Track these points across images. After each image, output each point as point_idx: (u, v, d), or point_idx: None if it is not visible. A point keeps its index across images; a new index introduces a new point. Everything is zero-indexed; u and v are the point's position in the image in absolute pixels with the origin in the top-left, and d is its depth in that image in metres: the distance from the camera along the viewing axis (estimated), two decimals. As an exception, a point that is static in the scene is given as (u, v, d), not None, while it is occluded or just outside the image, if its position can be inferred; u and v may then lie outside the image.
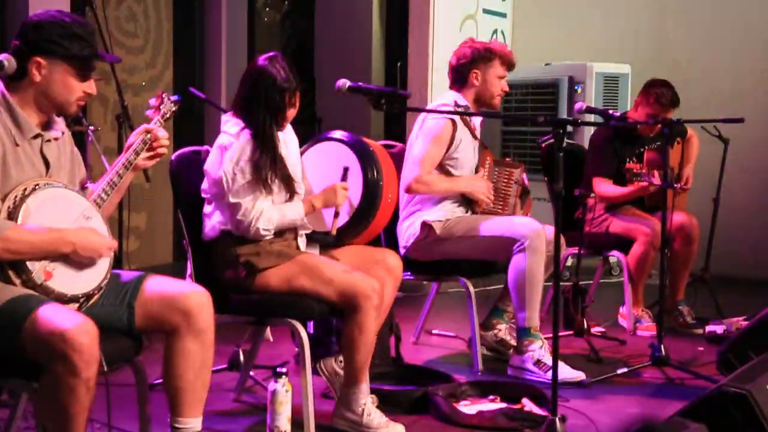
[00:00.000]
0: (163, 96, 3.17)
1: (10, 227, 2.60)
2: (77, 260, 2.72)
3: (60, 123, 2.93)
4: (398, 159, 4.30)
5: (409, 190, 4.30)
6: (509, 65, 4.46)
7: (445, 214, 4.35)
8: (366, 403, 3.47)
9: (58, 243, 2.67)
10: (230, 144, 3.45)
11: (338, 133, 3.80)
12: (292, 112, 3.55)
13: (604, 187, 5.13)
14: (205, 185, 3.55)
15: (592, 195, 5.11)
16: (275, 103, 3.47)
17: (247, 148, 3.43)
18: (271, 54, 3.54)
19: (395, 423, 3.49)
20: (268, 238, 3.48)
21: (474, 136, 4.45)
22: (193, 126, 7.16)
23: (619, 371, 4.23)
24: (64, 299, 2.69)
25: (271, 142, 3.47)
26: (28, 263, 2.65)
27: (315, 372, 3.62)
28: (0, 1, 5.54)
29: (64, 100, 2.81)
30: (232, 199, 3.43)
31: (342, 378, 3.60)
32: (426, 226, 4.32)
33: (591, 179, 5.18)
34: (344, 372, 3.53)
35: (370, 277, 3.47)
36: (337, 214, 3.66)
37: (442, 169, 4.38)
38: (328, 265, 3.47)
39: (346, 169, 3.69)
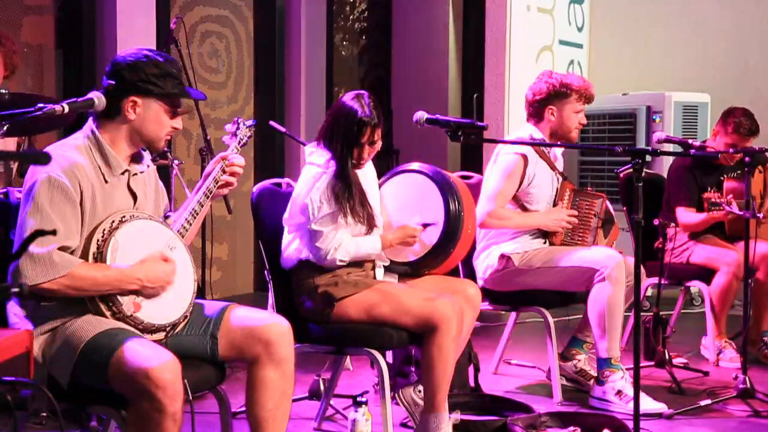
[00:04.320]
0: (239, 121, 3.20)
1: (77, 264, 2.67)
2: (151, 294, 2.77)
3: (146, 157, 3.01)
4: (475, 190, 4.31)
5: (482, 225, 4.31)
6: (587, 99, 4.43)
7: (522, 246, 4.34)
8: (446, 431, 3.48)
9: (123, 281, 2.71)
10: (320, 174, 3.51)
11: (419, 165, 3.82)
12: (370, 151, 3.57)
13: (685, 215, 5.08)
14: (287, 214, 3.61)
15: (673, 224, 5.07)
16: (352, 135, 3.51)
17: (332, 178, 3.49)
18: (359, 91, 3.59)
19: None
20: (342, 268, 3.52)
21: (553, 168, 4.44)
22: (273, 159, 7.27)
23: (702, 403, 4.16)
24: (152, 329, 2.76)
25: (346, 175, 3.52)
26: (118, 296, 2.72)
27: (394, 401, 3.64)
28: (90, 39, 5.72)
29: (156, 136, 2.88)
30: (314, 227, 3.48)
31: (421, 407, 3.62)
32: (504, 258, 4.32)
33: (673, 208, 5.14)
34: (424, 398, 3.54)
35: (449, 300, 3.49)
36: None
37: (518, 203, 4.38)
38: (406, 293, 3.51)
39: (427, 225, 3.73)
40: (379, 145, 3.59)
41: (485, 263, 4.40)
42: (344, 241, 3.49)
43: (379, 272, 3.67)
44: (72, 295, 2.67)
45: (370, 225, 3.59)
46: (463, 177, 4.33)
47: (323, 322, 3.52)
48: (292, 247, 3.58)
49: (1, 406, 1.97)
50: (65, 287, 2.65)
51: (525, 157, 4.31)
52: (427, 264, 3.73)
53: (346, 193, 3.49)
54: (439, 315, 3.40)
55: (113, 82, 2.82)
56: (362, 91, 3.59)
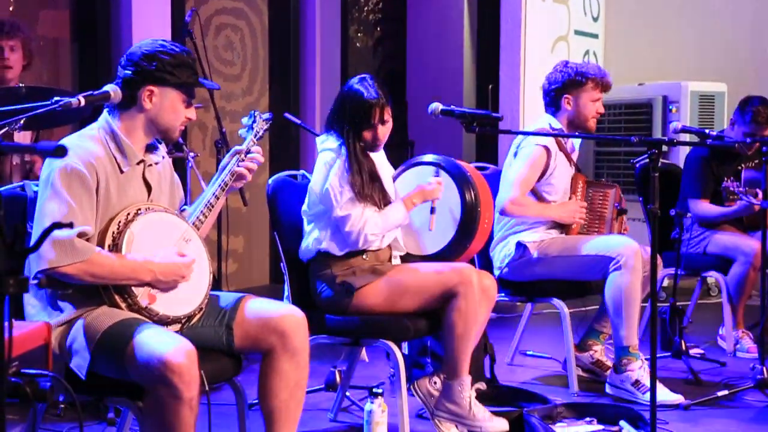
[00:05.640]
0: (255, 114, 3.22)
1: (95, 251, 2.69)
2: (164, 287, 2.79)
3: (161, 148, 3.02)
4: (491, 181, 4.30)
5: (503, 212, 4.30)
6: (604, 87, 4.41)
7: (540, 236, 4.34)
8: (470, 396, 3.51)
9: (138, 271, 2.73)
10: (333, 160, 3.52)
11: (434, 157, 3.81)
12: (382, 130, 3.58)
13: (702, 207, 5.06)
14: (305, 205, 3.61)
15: (689, 215, 5.05)
16: (361, 118, 3.52)
17: (346, 162, 3.50)
18: (362, 75, 3.61)
19: (498, 417, 3.54)
20: (376, 244, 3.54)
21: (569, 160, 4.42)
22: (288, 150, 7.28)
23: (720, 393, 4.14)
24: (167, 321, 2.78)
25: (358, 159, 3.52)
26: (133, 288, 2.74)
27: (410, 392, 3.65)
28: (104, 30, 5.74)
29: (172, 125, 2.90)
30: (340, 213, 3.48)
31: (435, 399, 3.62)
32: (521, 246, 4.31)
33: (687, 200, 5.12)
34: (447, 363, 3.56)
35: (463, 266, 3.50)
36: (433, 210, 3.69)
37: (536, 194, 4.37)
38: (421, 270, 3.52)
39: (438, 167, 3.72)
40: (390, 124, 3.59)
41: (503, 253, 4.39)
42: (370, 216, 3.50)
43: (396, 263, 3.68)
44: (88, 282, 2.69)
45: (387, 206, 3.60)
46: (479, 168, 4.31)
47: (341, 313, 3.53)
48: (312, 238, 3.58)
49: (20, 398, 1.98)
50: (83, 273, 2.67)
51: (548, 150, 4.30)
52: (444, 257, 3.72)
53: (356, 177, 3.49)
54: (456, 280, 3.43)
55: (130, 72, 2.84)
56: (365, 74, 3.60)
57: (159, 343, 2.57)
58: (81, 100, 2.77)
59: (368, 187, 3.52)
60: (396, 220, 3.57)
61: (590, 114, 4.40)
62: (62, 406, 3.67)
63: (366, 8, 8.19)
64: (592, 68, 4.44)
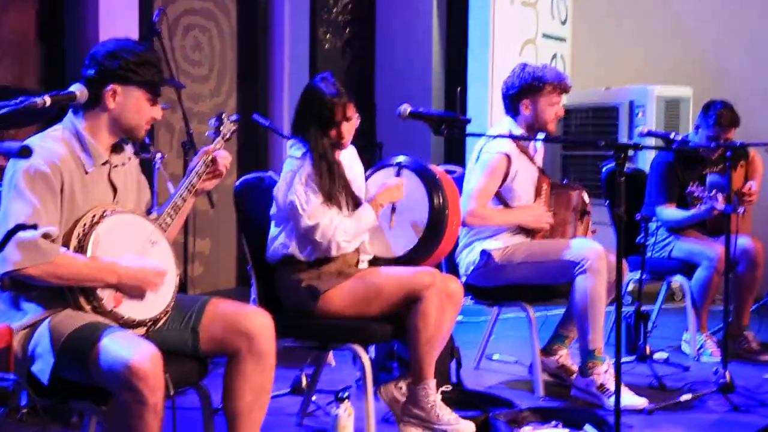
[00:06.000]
0: (223, 116, 3.22)
1: (60, 253, 2.66)
2: (129, 291, 2.77)
3: (127, 149, 3.00)
4: (458, 183, 4.30)
5: (463, 224, 4.30)
6: (562, 90, 4.38)
7: (504, 242, 4.34)
8: (435, 399, 3.51)
9: (104, 273, 2.71)
10: (298, 167, 3.50)
11: (404, 159, 3.81)
12: (347, 127, 3.58)
13: (667, 212, 5.10)
14: (274, 208, 3.60)
15: (654, 219, 5.08)
16: (325, 116, 3.53)
17: (312, 169, 3.49)
18: (322, 74, 3.62)
19: (464, 420, 3.53)
20: (349, 249, 3.54)
21: (532, 163, 4.43)
22: (256, 152, 7.24)
23: (683, 398, 4.17)
24: (132, 324, 2.75)
25: (327, 159, 3.52)
26: (98, 290, 2.72)
27: (376, 396, 3.64)
28: (71, 29, 5.69)
29: (137, 124, 2.88)
30: (309, 222, 3.47)
31: (401, 404, 3.62)
32: (485, 254, 4.31)
33: (653, 205, 5.15)
34: (411, 367, 3.56)
35: (427, 269, 3.51)
36: (394, 209, 3.71)
37: (500, 200, 4.37)
38: (385, 277, 3.53)
39: (399, 167, 3.71)
40: (355, 121, 3.60)
41: (468, 260, 4.39)
42: (339, 223, 3.49)
43: (363, 267, 3.68)
44: (53, 283, 2.67)
45: (356, 207, 3.59)
46: (447, 171, 4.31)
47: (308, 316, 3.51)
48: (278, 242, 3.57)
49: (-20, 402, 1.96)
50: (48, 274, 2.64)
51: (508, 157, 4.29)
52: (413, 260, 3.72)
53: (327, 177, 3.49)
54: (420, 284, 3.44)
55: (93, 72, 2.82)
56: (325, 73, 3.61)
57: (124, 347, 2.56)
58: (46, 100, 2.73)
59: (335, 188, 3.52)
60: (366, 224, 3.58)
61: (549, 118, 4.38)
62: (24, 410, 3.62)
63: (335, 9, 8.17)
64: (549, 72, 4.40)
